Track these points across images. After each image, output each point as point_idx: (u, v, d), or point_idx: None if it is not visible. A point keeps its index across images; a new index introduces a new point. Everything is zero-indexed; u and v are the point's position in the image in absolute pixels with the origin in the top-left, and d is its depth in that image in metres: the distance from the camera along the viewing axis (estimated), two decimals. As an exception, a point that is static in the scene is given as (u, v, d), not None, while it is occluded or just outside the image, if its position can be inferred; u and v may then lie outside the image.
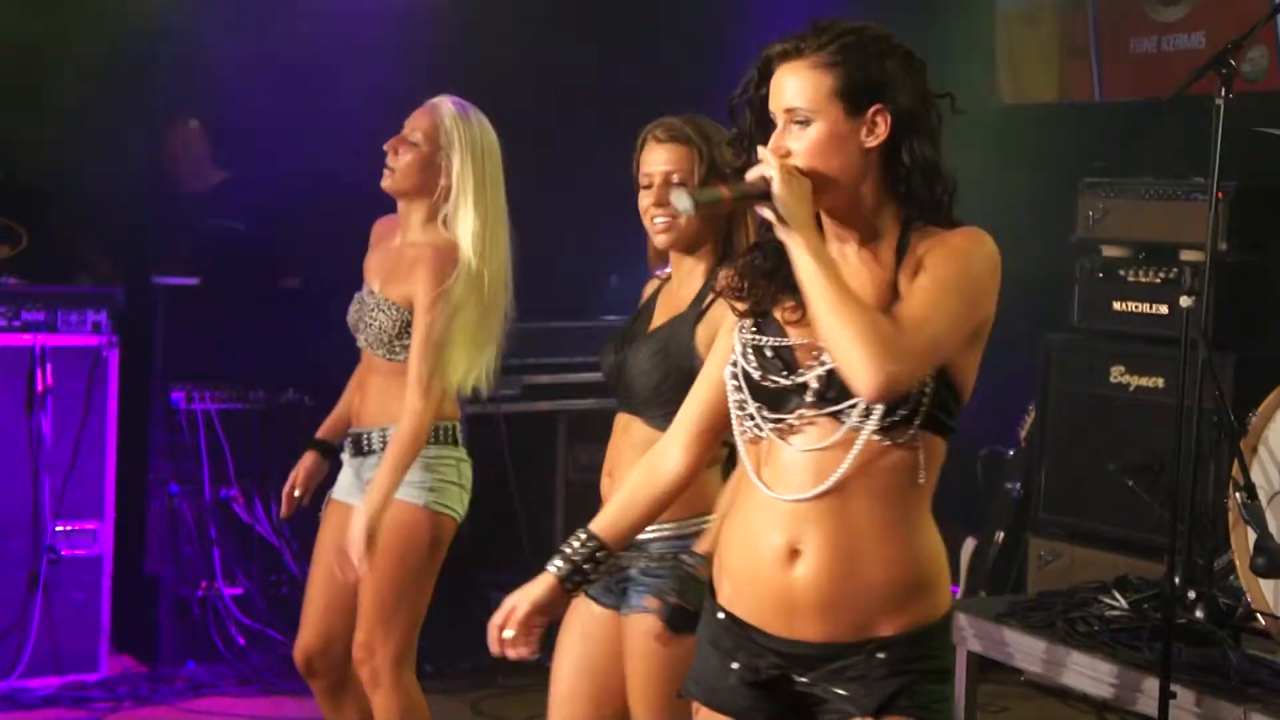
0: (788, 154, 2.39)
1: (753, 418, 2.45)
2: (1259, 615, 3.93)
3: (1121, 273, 5.53)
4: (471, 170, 3.87)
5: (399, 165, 3.89)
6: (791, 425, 2.41)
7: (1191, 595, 3.97)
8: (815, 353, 2.40)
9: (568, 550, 2.60)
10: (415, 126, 3.91)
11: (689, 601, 3.01)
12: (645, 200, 3.24)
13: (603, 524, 2.62)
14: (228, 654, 5.40)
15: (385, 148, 3.92)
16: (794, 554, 2.40)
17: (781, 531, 2.42)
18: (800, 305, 2.41)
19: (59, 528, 5.24)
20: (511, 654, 2.63)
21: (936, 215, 2.44)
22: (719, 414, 2.56)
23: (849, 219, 2.45)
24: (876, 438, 2.37)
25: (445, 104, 3.93)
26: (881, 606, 2.41)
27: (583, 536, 2.60)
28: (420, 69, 5.23)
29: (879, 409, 2.34)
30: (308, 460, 4.10)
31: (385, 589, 3.79)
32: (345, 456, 3.98)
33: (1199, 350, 4.00)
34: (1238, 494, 3.97)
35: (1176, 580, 3.78)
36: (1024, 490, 5.78)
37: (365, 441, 3.91)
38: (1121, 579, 4.34)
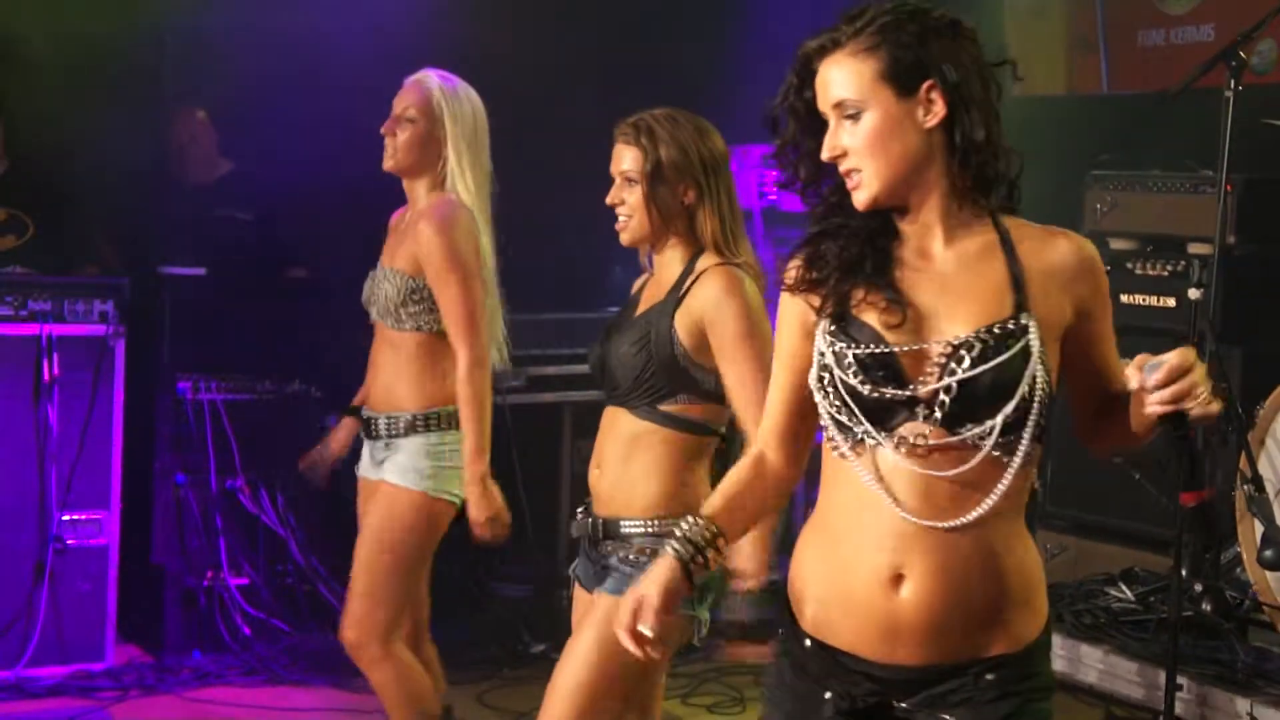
0: (844, 153, 2.27)
1: (851, 430, 2.27)
2: (1265, 607, 3.94)
3: (1129, 265, 5.51)
4: (464, 137, 3.94)
5: (399, 144, 3.95)
6: (902, 440, 2.24)
7: (1198, 588, 3.97)
8: (929, 363, 2.24)
9: (685, 533, 2.40)
10: (407, 104, 3.97)
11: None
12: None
13: (714, 511, 2.43)
14: (233, 644, 5.40)
15: (382, 131, 3.98)
16: (898, 578, 2.24)
17: (885, 553, 2.24)
18: (897, 306, 2.25)
19: (65, 517, 5.24)
20: (650, 653, 2.41)
21: (1011, 196, 2.34)
22: (802, 415, 2.40)
23: (928, 210, 2.30)
24: (997, 454, 2.23)
25: (430, 77, 4.00)
26: (988, 626, 2.26)
27: (700, 521, 2.41)
28: (428, 58, 5.21)
29: (999, 425, 2.21)
30: (346, 425, 4.19)
31: (379, 572, 3.87)
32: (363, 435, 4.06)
33: (1206, 343, 4.00)
34: (1245, 487, 3.98)
35: (1183, 573, 3.79)
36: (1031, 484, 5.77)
37: (374, 426, 3.98)
38: (1128, 572, 4.36)
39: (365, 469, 4.05)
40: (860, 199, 2.29)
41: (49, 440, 5.20)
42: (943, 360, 2.23)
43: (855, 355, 2.25)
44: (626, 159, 3.27)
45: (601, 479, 3.27)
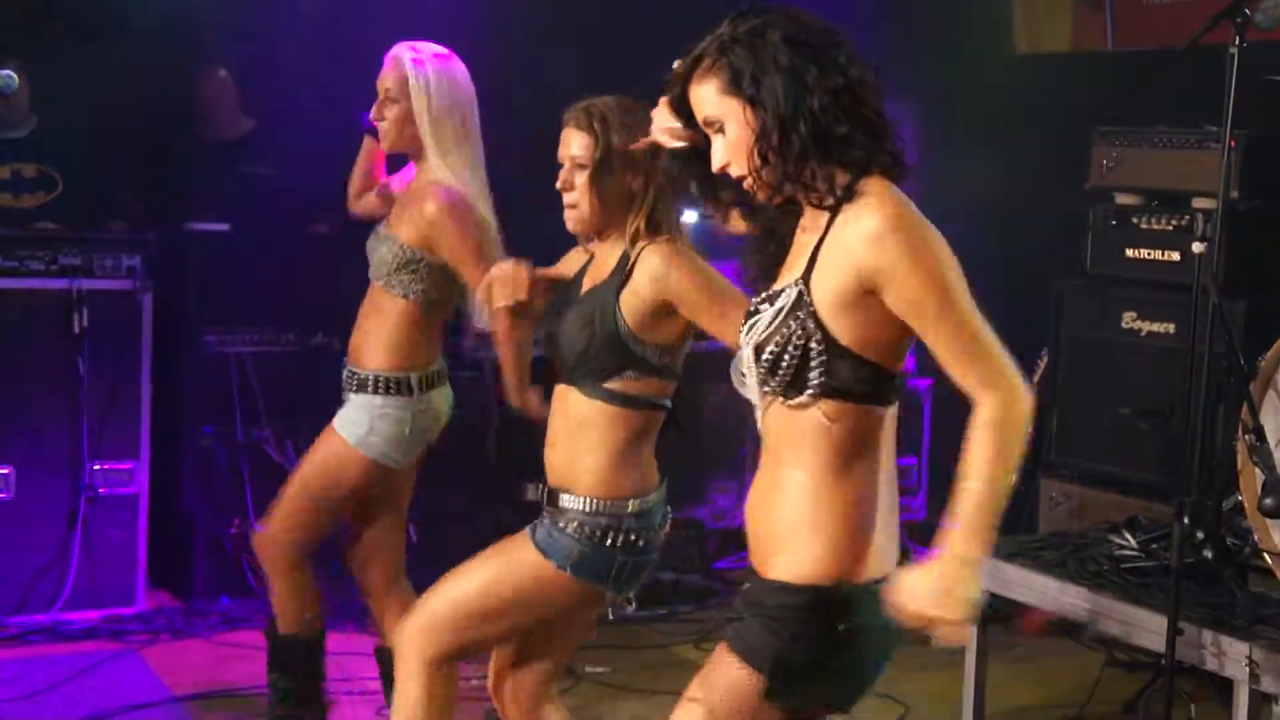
0: (727, 162, 2.53)
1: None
2: (1265, 555, 4.00)
3: (1134, 220, 5.57)
4: (437, 109, 3.96)
5: (388, 125, 3.99)
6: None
7: (1200, 535, 4.03)
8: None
9: None
10: (387, 84, 4.00)
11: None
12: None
13: None
14: (259, 589, 5.44)
15: (372, 117, 4.03)
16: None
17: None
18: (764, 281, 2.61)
19: (97, 467, 5.35)
20: None
21: (865, 170, 2.50)
22: None
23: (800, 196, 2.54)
24: (769, 394, 2.53)
25: (403, 51, 4.02)
26: (771, 549, 2.54)
27: None
28: (449, 11, 5.30)
29: (758, 376, 2.52)
30: None
31: (303, 501, 4.09)
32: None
33: (1210, 296, 4.05)
34: (1247, 436, 4.03)
35: (1185, 521, 3.83)
36: (1036, 433, 5.84)
37: (343, 373, 4.11)
38: (1131, 519, 4.41)
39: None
40: (759, 198, 2.56)
41: (80, 392, 5.31)
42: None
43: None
44: (575, 144, 3.27)
45: (553, 454, 3.32)
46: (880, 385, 2.50)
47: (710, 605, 5.85)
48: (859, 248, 2.42)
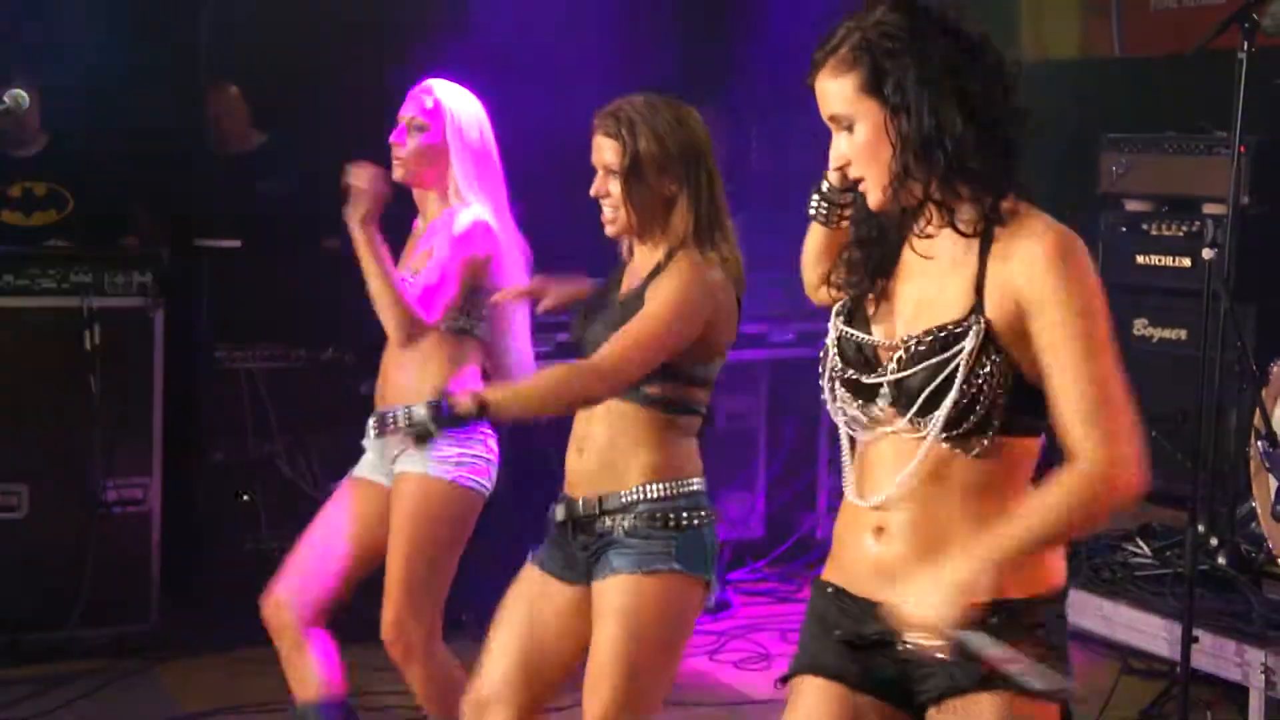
0: (847, 162, 2.37)
1: (844, 411, 2.44)
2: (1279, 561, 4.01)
3: (1145, 226, 5.57)
4: (470, 147, 3.90)
5: (407, 154, 3.91)
6: (874, 422, 2.40)
7: (1214, 543, 4.04)
8: (890, 353, 2.38)
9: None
10: (413, 112, 3.94)
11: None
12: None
13: None
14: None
15: (391, 141, 3.96)
16: (879, 530, 2.40)
17: (860, 521, 2.43)
18: (880, 297, 2.42)
19: (110, 483, 5.36)
20: None
21: (1008, 179, 2.35)
22: None
23: (924, 206, 2.38)
24: (946, 445, 2.33)
25: (436, 85, 3.96)
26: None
27: None
28: (460, 30, 5.33)
29: (941, 417, 2.30)
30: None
31: (416, 566, 3.80)
32: (369, 438, 3.84)
33: (1221, 301, 4.06)
34: (1259, 443, 4.04)
35: (1199, 528, 3.84)
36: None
37: (389, 419, 3.84)
38: (1145, 527, 4.42)
39: (367, 469, 3.97)
40: (870, 203, 2.41)
41: (92, 409, 5.30)
42: (894, 348, 2.37)
43: (842, 338, 2.45)
44: (607, 151, 3.22)
45: (584, 460, 3.25)
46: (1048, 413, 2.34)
47: (723, 617, 5.85)
48: (1022, 272, 2.29)
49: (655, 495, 3.17)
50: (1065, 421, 2.29)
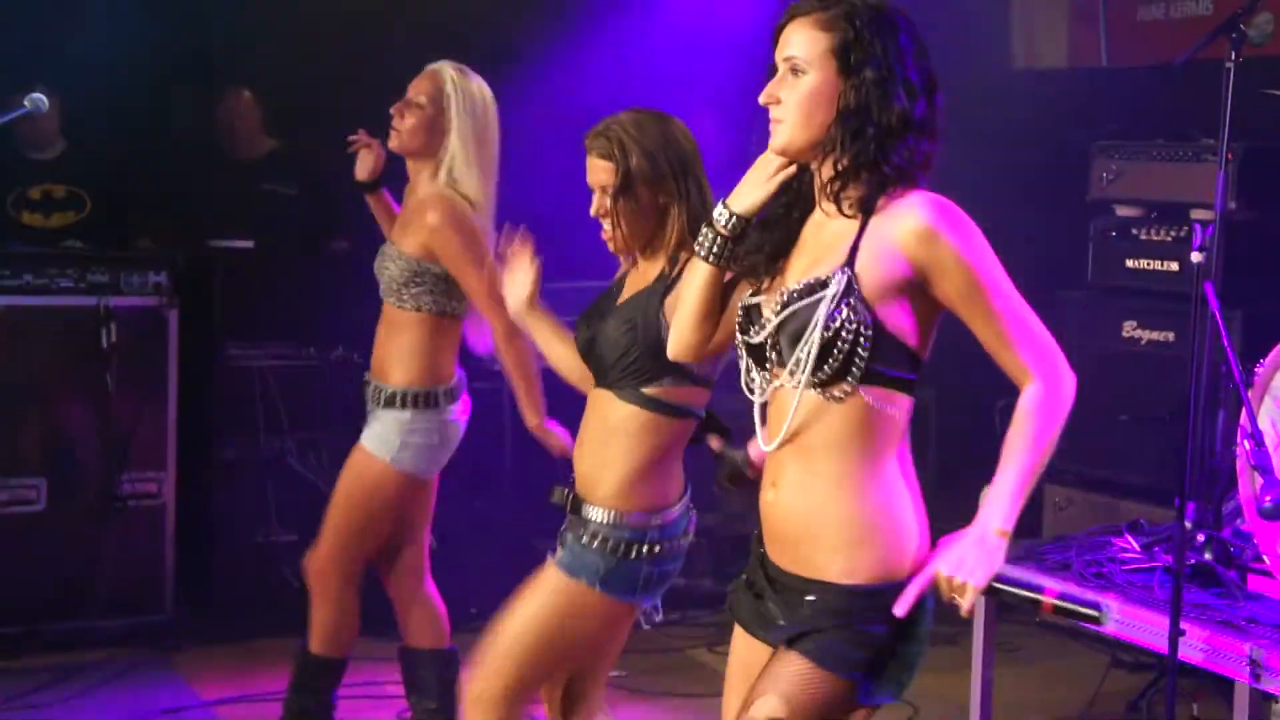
0: (777, 102, 2.54)
1: (750, 379, 2.65)
2: (1264, 556, 4.08)
3: (1134, 231, 5.64)
4: (472, 129, 4.09)
5: (404, 127, 4.11)
6: (767, 382, 2.61)
7: (1201, 538, 4.10)
8: (772, 310, 2.57)
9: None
10: (419, 90, 4.12)
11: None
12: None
13: None
14: (283, 597, 5.53)
15: (391, 111, 4.14)
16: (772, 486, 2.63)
17: (767, 474, 2.65)
18: (776, 274, 2.61)
19: (125, 478, 5.45)
20: None
21: (906, 173, 2.56)
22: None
23: (826, 171, 2.56)
24: (815, 393, 2.52)
25: (446, 68, 4.15)
26: (825, 549, 2.54)
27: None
28: (466, 36, 5.39)
29: (806, 357, 2.49)
30: None
31: (345, 523, 4.17)
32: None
33: (1208, 305, 4.11)
34: (1245, 441, 4.10)
35: (1187, 524, 3.88)
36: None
37: (368, 391, 4.21)
38: (1134, 523, 4.48)
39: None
40: (773, 142, 2.59)
41: (109, 405, 5.40)
42: (774, 308, 2.56)
43: (743, 311, 2.65)
44: (602, 172, 3.28)
45: (581, 458, 3.35)
46: (916, 373, 2.55)
47: (722, 609, 5.92)
48: (911, 242, 2.49)
49: (611, 522, 3.28)
50: (1003, 358, 2.55)
